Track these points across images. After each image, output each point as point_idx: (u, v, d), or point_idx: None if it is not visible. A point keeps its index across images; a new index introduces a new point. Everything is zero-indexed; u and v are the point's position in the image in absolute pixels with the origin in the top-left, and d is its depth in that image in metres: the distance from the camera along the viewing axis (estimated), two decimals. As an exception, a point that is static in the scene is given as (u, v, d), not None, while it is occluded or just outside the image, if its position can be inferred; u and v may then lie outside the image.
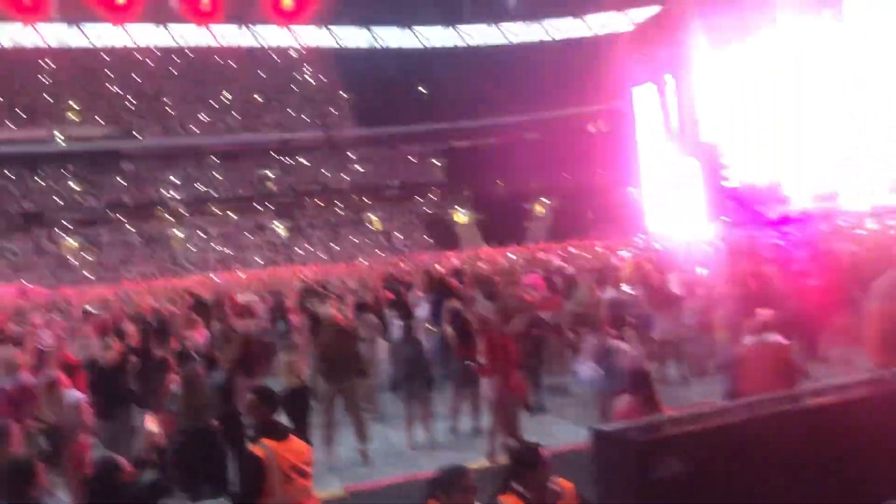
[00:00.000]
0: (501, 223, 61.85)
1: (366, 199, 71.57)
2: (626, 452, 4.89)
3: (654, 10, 63.03)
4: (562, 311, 11.78)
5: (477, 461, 7.84)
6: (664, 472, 4.77)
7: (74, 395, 6.89)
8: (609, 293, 11.58)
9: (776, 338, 6.69)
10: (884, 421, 4.91)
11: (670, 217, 33.86)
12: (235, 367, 7.19)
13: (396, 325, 10.59)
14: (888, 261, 11.44)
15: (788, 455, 4.85)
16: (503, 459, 7.86)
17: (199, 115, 72.67)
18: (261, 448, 4.48)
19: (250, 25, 74.83)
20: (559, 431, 8.84)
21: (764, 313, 6.87)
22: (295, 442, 4.71)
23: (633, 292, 11.85)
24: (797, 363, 6.87)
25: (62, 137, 67.19)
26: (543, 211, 70.48)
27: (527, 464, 3.60)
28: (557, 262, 20.06)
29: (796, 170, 31.18)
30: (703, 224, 30.13)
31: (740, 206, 36.06)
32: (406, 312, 11.18)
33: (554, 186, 68.15)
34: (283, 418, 10.10)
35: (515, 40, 79.04)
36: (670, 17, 34.18)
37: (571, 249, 28.32)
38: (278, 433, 4.66)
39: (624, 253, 20.29)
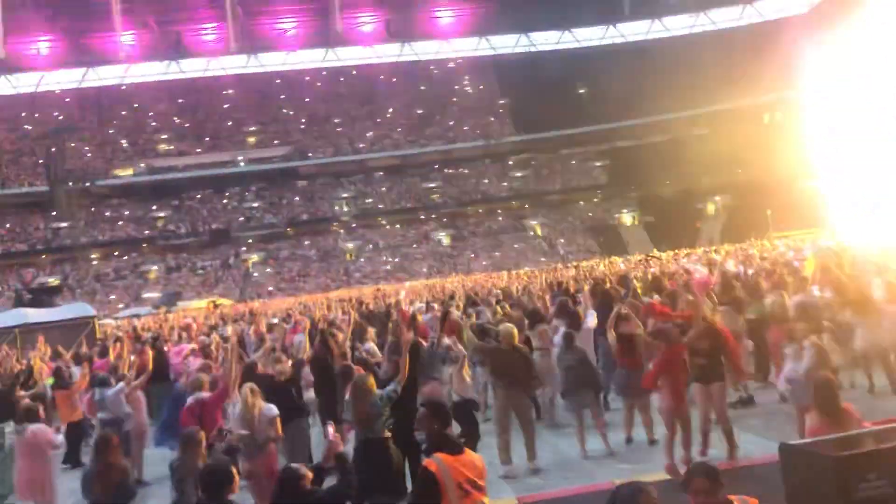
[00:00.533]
0: (671, 225, 59.71)
1: (526, 206, 71.68)
2: (820, 469, 4.47)
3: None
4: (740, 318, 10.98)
5: (652, 473, 7.48)
6: (869, 490, 4.30)
7: (272, 409, 7.35)
8: (797, 297, 10.66)
9: None
10: None
11: (860, 212, 30.95)
12: (405, 377, 7.29)
13: (560, 334, 10.34)
14: None
15: None
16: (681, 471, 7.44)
17: (366, 134, 76.09)
18: (434, 462, 4.49)
19: (410, 42, 77.36)
20: (745, 444, 8.24)
21: None
22: (469, 455, 4.69)
23: (824, 296, 10.87)
24: None
25: (243, 160, 72.90)
26: (716, 209, 67.20)
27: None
28: (731, 265, 18.86)
29: None
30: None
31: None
32: (571, 321, 10.91)
33: (726, 183, 64.69)
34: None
35: (678, 33, 76.10)
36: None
37: (751, 250, 26.62)
38: (452, 447, 4.68)
39: (808, 252, 18.66)
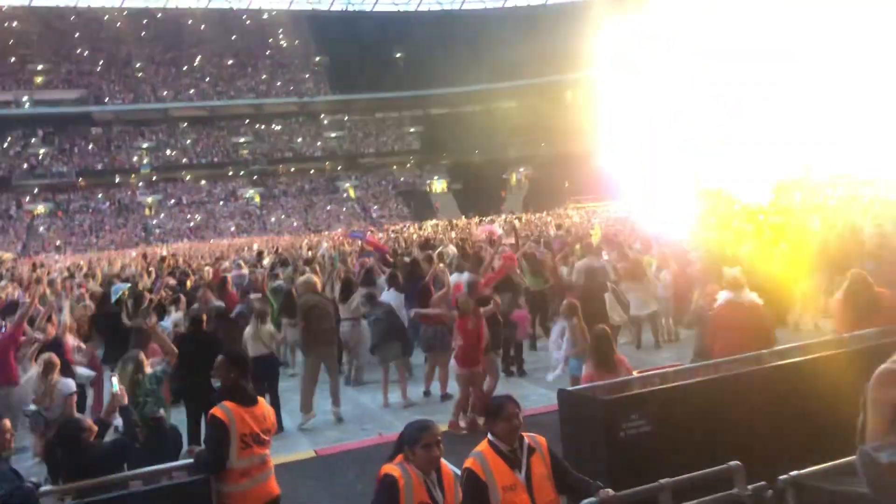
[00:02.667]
0: (478, 192, 61.89)
1: (339, 168, 71.19)
2: (591, 410, 5.05)
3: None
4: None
5: (441, 425, 7.95)
6: (630, 430, 4.92)
7: (69, 385, 7.16)
8: (582, 261, 11.58)
9: (751, 297, 6.88)
10: (831, 381, 5.13)
11: (647, 188, 33.89)
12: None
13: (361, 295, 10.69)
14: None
15: (747, 410, 5.03)
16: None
17: (171, 81, 71.45)
18: (221, 410, 4.47)
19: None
20: (534, 395, 8.98)
21: (731, 272, 7.04)
22: (261, 407, 4.68)
23: (607, 260, 11.92)
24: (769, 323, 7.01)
25: (28, 101, 65.87)
26: (519, 180, 70.55)
27: (495, 414, 3.69)
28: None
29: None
30: (682, 191, 30.15)
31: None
32: (370, 282, 11.39)
33: (531, 155, 68.12)
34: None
35: (492, 5, 78.20)
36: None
37: (548, 219, 28.38)
38: (244, 397, 4.66)
39: (595, 222, 20.38)
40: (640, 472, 4.01)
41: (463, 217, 45.67)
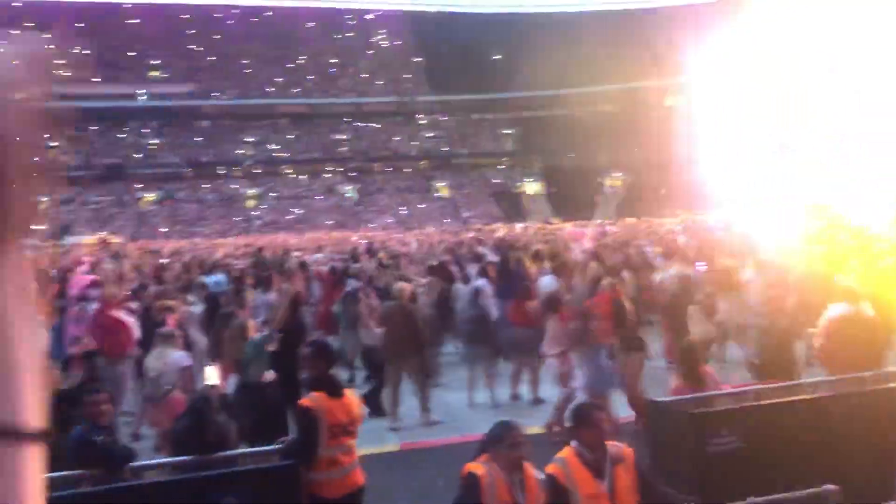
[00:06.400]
0: (571, 196, 61.23)
1: (434, 167, 71.85)
2: (680, 423, 4.96)
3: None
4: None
5: (532, 427, 7.94)
6: (720, 445, 4.82)
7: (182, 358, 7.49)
8: (674, 269, 11.35)
9: (867, 310, 6.64)
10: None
11: (746, 195, 32.78)
12: (280, 323, 7.44)
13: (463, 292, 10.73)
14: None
15: (846, 434, 4.83)
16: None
17: (276, 78, 73.91)
18: (310, 400, 4.60)
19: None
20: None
21: (846, 281, 6.83)
22: (348, 398, 4.79)
23: (700, 271, 11.63)
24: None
25: (144, 94, 69.51)
26: (616, 185, 69.32)
27: (582, 421, 3.66)
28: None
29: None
30: (784, 203, 29.00)
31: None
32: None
33: (627, 161, 66.83)
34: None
35: (593, 8, 77.20)
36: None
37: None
38: (332, 388, 4.74)
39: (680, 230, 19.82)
40: (729, 489, 3.93)
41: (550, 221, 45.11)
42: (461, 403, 9.63)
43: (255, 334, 6.99)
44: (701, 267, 12.03)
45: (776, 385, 5.44)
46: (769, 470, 4.36)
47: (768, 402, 5.04)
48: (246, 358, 6.54)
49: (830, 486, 3.80)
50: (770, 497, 3.69)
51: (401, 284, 9.72)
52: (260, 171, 68.43)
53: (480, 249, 17.36)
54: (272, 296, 10.74)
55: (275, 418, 6.27)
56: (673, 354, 9.59)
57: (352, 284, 11.47)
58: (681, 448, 4.76)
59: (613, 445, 3.72)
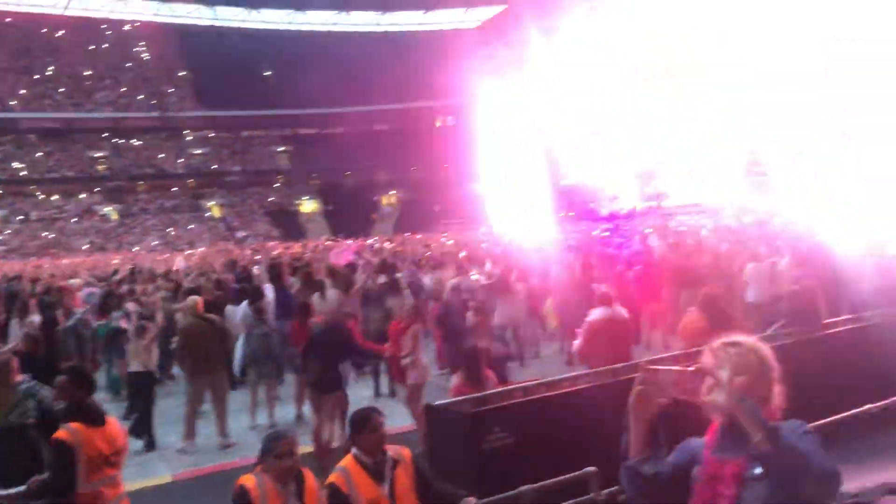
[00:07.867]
0: (349, 215, 61.53)
1: (204, 186, 68.83)
2: (456, 424, 5.15)
3: (498, 9, 65.24)
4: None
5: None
6: (494, 442, 5.05)
7: None
8: (454, 280, 11.91)
9: (621, 311, 7.53)
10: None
11: (512, 213, 35.11)
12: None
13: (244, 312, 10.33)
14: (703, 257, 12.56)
15: (599, 420, 5.29)
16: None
17: (20, 91, 66.81)
18: (67, 432, 4.23)
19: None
20: (401, 414, 8.98)
21: (601, 288, 7.69)
22: (112, 428, 4.47)
23: (477, 279, 12.30)
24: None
25: None
26: (392, 203, 70.76)
27: (361, 427, 3.71)
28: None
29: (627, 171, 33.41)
30: (543, 219, 31.46)
31: (575, 202, 38.18)
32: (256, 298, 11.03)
33: (402, 179, 68.62)
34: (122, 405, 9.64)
35: (364, 29, 78.34)
36: (513, 17, 35.82)
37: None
38: (92, 417, 4.44)
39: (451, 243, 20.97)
40: (505, 482, 4.14)
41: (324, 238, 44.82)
42: (242, 426, 9.30)
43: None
44: (474, 276, 12.71)
45: (542, 381, 5.84)
46: (539, 459, 4.65)
47: (534, 397, 5.39)
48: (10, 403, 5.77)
49: (590, 469, 4.13)
50: (540, 484, 3.94)
51: (193, 297, 9.36)
52: (2, 191, 61.28)
53: (255, 269, 16.92)
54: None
55: (31, 457, 5.62)
56: (445, 361, 10.09)
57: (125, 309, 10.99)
58: (458, 448, 4.94)
59: (392, 448, 3.79)
